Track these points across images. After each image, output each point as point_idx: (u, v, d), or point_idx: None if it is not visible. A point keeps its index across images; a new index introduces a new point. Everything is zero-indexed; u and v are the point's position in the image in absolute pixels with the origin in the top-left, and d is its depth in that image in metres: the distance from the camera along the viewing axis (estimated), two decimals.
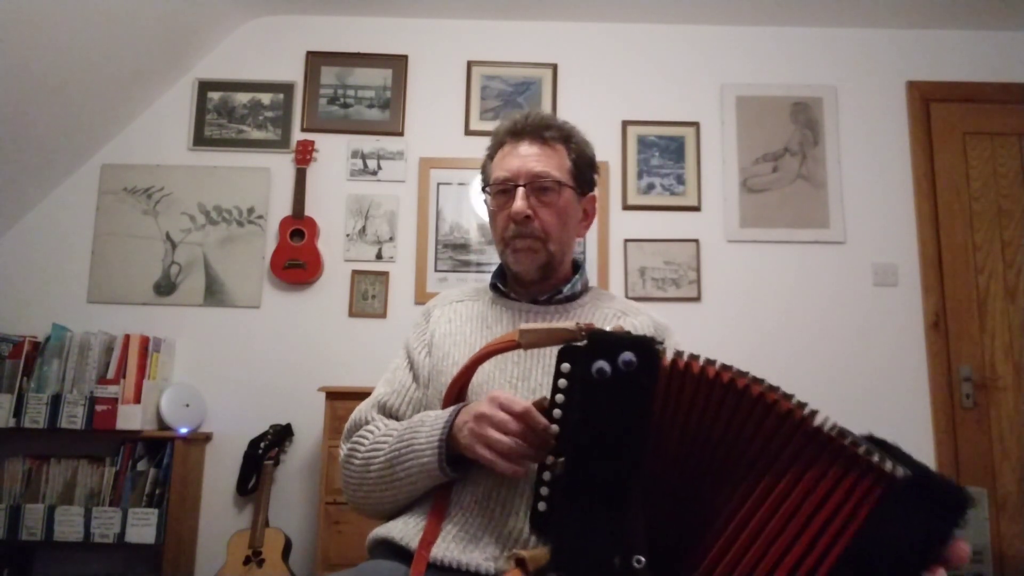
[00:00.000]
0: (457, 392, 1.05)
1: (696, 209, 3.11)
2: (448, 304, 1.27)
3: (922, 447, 2.90)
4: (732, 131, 3.16)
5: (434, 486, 1.03)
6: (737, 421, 0.75)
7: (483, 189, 1.26)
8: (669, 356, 0.78)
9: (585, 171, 1.25)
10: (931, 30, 3.23)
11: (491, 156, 1.26)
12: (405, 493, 1.04)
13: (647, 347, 0.78)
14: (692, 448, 0.77)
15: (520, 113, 1.23)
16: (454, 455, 0.99)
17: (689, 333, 1.28)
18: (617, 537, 0.75)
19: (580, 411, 0.79)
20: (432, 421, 1.02)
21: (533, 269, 1.20)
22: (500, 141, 1.24)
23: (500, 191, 1.20)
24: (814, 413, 0.73)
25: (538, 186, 1.18)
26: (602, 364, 0.78)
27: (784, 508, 0.72)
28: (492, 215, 1.24)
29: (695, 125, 3.17)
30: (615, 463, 0.77)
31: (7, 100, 2.62)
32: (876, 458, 0.70)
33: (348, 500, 1.14)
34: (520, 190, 1.17)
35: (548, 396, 0.87)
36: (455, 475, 1.00)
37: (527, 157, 1.19)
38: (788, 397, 0.75)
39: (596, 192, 1.30)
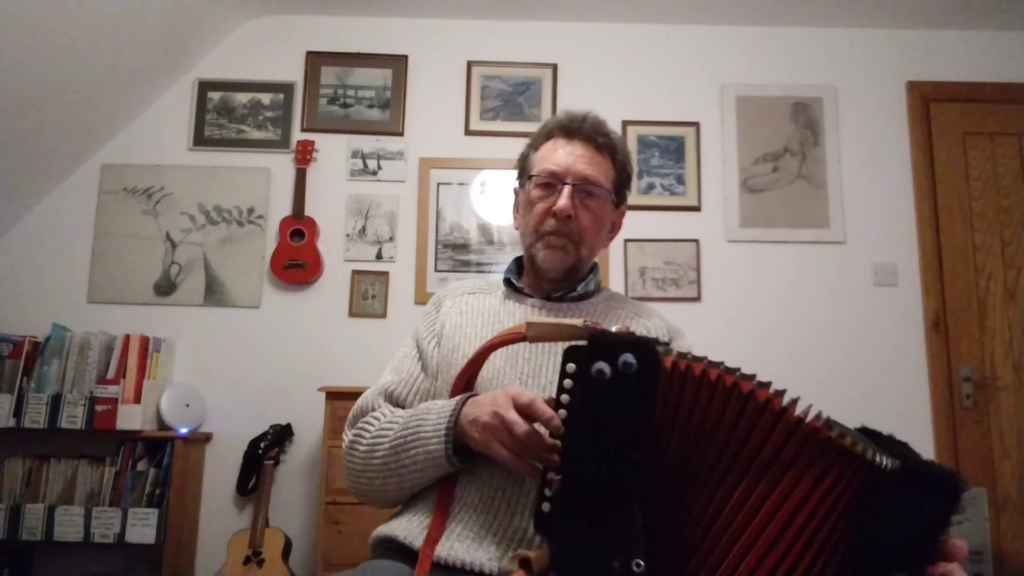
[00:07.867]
0: (465, 383, 1.05)
1: (696, 209, 3.11)
2: (460, 295, 1.26)
3: (922, 447, 2.83)
4: (732, 131, 3.16)
5: (438, 483, 1.03)
6: (740, 425, 0.74)
7: (528, 178, 1.23)
8: (670, 358, 0.77)
9: (624, 185, 1.27)
10: (931, 30, 3.23)
11: (535, 147, 1.25)
12: (409, 481, 1.03)
13: (648, 349, 0.77)
14: (692, 451, 0.76)
15: (576, 112, 1.23)
16: (460, 445, 0.98)
17: (689, 333, 1.27)
18: (616, 540, 0.74)
19: (580, 412, 0.79)
20: (439, 409, 1.01)
21: (560, 268, 1.20)
22: (549, 134, 1.23)
23: (544, 183, 1.20)
24: (823, 419, 0.72)
25: (584, 189, 1.18)
26: (601, 365, 0.77)
27: (770, 503, 0.73)
28: (528, 205, 1.23)
29: (695, 125, 3.17)
30: (614, 465, 0.76)
31: (7, 100, 2.62)
32: (860, 448, 0.70)
33: (351, 487, 1.13)
34: (567, 188, 1.17)
35: (554, 396, 0.87)
36: (461, 465, 0.99)
37: (579, 157, 1.19)
38: (787, 398, 0.74)
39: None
